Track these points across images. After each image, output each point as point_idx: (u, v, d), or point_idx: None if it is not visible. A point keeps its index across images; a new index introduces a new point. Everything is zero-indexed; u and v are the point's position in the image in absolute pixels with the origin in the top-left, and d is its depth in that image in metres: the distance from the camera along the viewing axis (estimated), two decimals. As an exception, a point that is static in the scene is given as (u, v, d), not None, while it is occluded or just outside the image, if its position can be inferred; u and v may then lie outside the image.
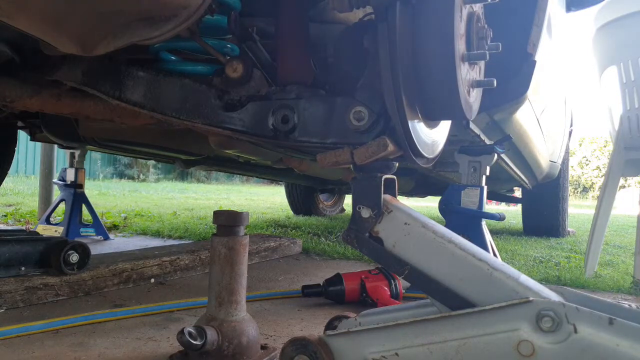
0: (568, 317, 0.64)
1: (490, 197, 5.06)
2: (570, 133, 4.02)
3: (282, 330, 1.30)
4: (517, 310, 0.66)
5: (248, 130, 0.91)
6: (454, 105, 0.88)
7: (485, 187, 1.73)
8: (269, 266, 2.26)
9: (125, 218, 3.80)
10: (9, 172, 2.54)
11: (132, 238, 3.01)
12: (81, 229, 2.77)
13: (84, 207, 2.82)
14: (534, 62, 1.32)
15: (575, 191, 23.45)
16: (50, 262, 1.51)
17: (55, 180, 3.04)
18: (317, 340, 0.81)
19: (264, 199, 8.40)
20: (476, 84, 1.00)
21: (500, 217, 1.78)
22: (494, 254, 1.67)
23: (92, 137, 1.87)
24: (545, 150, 2.66)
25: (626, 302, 1.76)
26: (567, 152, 4.10)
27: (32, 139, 2.25)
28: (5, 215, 3.73)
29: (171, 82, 0.94)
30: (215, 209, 1.26)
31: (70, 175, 2.80)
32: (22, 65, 1.05)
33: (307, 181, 3.96)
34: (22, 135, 2.52)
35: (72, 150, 2.81)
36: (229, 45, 1.00)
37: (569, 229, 4.35)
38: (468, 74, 0.95)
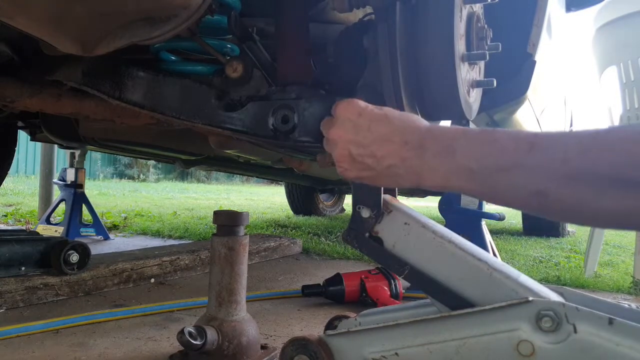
0: (568, 317, 0.64)
1: (490, 197, 5.04)
2: (570, 133, 4.01)
3: (282, 330, 1.30)
4: (516, 310, 0.66)
5: (248, 130, 0.91)
6: (454, 106, 0.88)
7: (485, 187, 1.72)
8: (269, 266, 2.26)
9: (125, 218, 3.80)
10: (9, 172, 2.54)
11: (132, 238, 3.01)
12: (81, 229, 2.77)
13: (84, 207, 2.82)
14: (534, 62, 1.32)
15: (575, 191, 23.44)
16: (50, 262, 1.51)
17: (55, 180, 3.04)
18: (317, 340, 0.81)
19: (264, 199, 8.39)
20: (476, 84, 1.00)
21: (500, 217, 1.78)
22: (494, 254, 1.67)
23: (92, 137, 1.86)
24: (545, 150, 2.65)
25: (626, 302, 1.76)
26: (567, 152, 4.09)
27: (32, 139, 2.25)
28: (6, 215, 3.73)
29: (171, 82, 0.94)
30: (216, 209, 1.26)
31: (70, 175, 2.80)
32: (22, 65, 1.05)
33: (307, 181, 3.95)
34: (22, 135, 2.52)
35: (72, 150, 2.81)
36: (229, 46, 1.00)
37: (568, 228, 4.35)
38: (468, 74, 0.95)
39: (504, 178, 0.57)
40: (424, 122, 0.67)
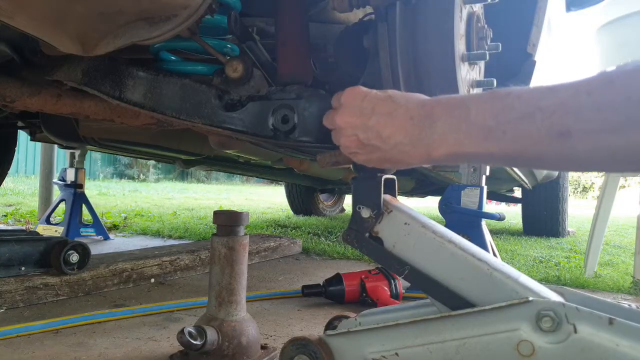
0: (568, 317, 0.64)
1: (490, 197, 5.05)
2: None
3: (282, 330, 1.30)
4: (516, 310, 0.66)
5: (248, 130, 0.91)
6: (454, 105, 0.88)
7: (485, 187, 1.73)
8: (269, 266, 2.26)
9: (125, 218, 3.80)
10: (9, 172, 2.54)
11: (132, 238, 3.01)
12: (81, 229, 2.77)
13: (84, 207, 2.82)
14: (534, 62, 1.32)
15: (575, 191, 23.47)
16: (50, 262, 1.51)
17: (55, 180, 3.04)
18: (317, 340, 0.81)
19: (264, 199, 8.40)
20: (476, 84, 1.00)
21: (500, 217, 1.78)
22: (494, 254, 1.67)
23: (92, 137, 1.87)
24: (545, 150, 2.65)
25: (626, 302, 1.76)
26: (567, 152, 4.09)
27: (32, 139, 2.25)
28: (6, 215, 3.73)
29: (171, 82, 0.94)
30: (215, 208, 1.26)
31: (70, 175, 2.80)
32: (22, 65, 1.05)
33: (307, 181, 3.96)
34: (22, 135, 2.52)
35: (72, 150, 2.81)
36: (229, 45, 1.00)
37: (569, 229, 4.35)
38: (468, 74, 0.95)
39: (523, 127, 0.55)
40: (428, 97, 0.67)
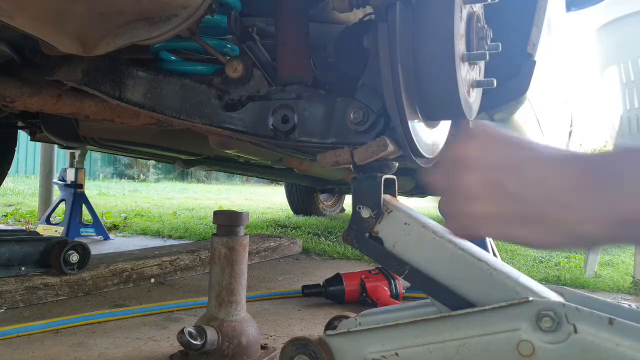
0: (568, 317, 0.64)
1: (490, 197, 5.03)
2: (570, 133, 4.01)
3: (282, 330, 1.30)
4: (517, 310, 0.66)
5: (248, 130, 0.91)
6: (454, 106, 0.88)
7: (485, 187, 1.72)
8: (269, 266, 2.26)
9: (125, 218, 3.80)
10: (9, 172, 2.54)
11: (132, 238, 3.01)
12: (81, 229, 2.77)
13: (84, 207, 2.82)
14: (534, 62, 1.32)
15: (575, 191, 23.43)
16: (50, 262, 1.51)
17: (55, 180, 3.04)
18: (317, 340, 0.81)
19: (264, 199, 8.39)
20: (476, 84, 1.00)
21: (500, 217, 1.77)
22: (494, 254, 1.67)
23: (92, 137, 1.87)
24: (545, 150, 2.65)
25: (626, 302, 1.76)
26: (567, 152, 4.08)
27: (32, 139, 2.25)
28: (6, 215, 3.73)
29: (171, 82, 0.94)
30: (215, 208, 1.26)
31: (70, 175, 2.80)
32: (22, 65, 1.05)
33: (307, 181, 3.95)
34: (22, 135, 2.52)
35: (72, 150, 2.81)
36: (229, 45, 1.00)
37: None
38: (468, 74, 0.95)
39: None
40: None
